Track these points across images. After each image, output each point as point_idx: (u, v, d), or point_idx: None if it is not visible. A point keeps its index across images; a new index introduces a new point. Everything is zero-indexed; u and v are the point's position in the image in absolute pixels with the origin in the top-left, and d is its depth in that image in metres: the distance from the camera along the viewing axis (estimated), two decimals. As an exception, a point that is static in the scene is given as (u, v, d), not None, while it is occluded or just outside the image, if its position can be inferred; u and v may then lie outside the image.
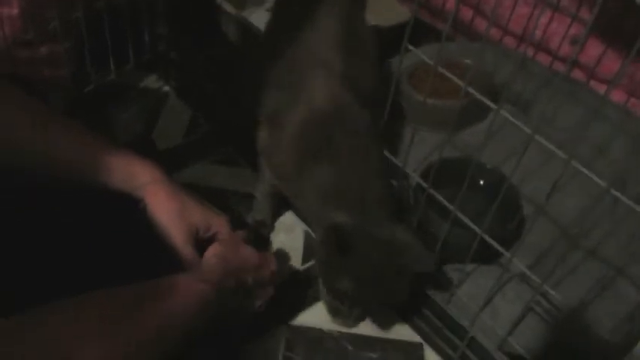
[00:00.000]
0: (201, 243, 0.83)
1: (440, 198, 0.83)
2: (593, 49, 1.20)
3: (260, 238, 1.03)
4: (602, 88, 1.23)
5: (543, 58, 1.30)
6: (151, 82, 1.35)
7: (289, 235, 1.07)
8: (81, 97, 1.21)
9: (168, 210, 0.80)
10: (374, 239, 0.80)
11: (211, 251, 0.79)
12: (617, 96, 1.22)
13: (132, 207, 0.82)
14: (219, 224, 0.84)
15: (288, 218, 1.10)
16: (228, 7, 1.32)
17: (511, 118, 0.67)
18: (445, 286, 0.93)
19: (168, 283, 0.72)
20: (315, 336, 0.94)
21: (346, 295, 0.84)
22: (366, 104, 0.90)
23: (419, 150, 1.08)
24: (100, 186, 0.81)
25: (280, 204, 1.06)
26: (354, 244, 0.78)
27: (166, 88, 1.34)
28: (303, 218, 1.08)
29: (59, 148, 0.78)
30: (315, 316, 0.97)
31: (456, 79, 0.73)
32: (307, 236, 1.07)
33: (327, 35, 0.94)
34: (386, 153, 0.92)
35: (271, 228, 1.07)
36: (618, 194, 0.60)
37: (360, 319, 0.95)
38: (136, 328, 0.66)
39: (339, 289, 0.83)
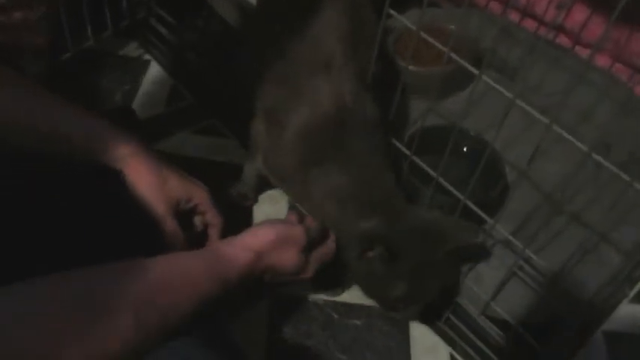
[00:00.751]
0: (183, 214, 0.82)
1: (422, 165, 0.82)
2: (579, 13, 1.19)
3: (241, 209, 1.03)
4: (587, 54, 1.23)
5: (529, 24, 1.29)
6: (131, 50, 1.33)
7: (274, 206, 1.07)
8: (59, 66, 1.18)
9: (148, 183, 0.79)
10: (412, 233, 0.79)
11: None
12: (603, 61, 1.22)
13: (112, 178, 0.81)
14: (199, 196, 0.83)
15: (273, 191, 1.09)
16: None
17: (492, 83, 0.66)
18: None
19: (218, 253, 0.70)
20: (299, 305, 0.95)
21: (402, 299, 0.82)
22: (370, 89, 0.88)
23: (404, 118, 1.08)
24: (79, 158, 0.79)
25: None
26: (399, 246, 0.77)
27: (147, 56, 1.32)
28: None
29: (37, 119, 0.77)
30: (299, 286, 0.97)
31: (438, 45, 0.72)
32: (291, 208, 1.06)
33: (332, 27, 0.90)
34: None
35: (255, 200, 1.07)
36: (600, 158, 0.60)
37: (415, 315, 0.92)
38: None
39: (396, 296, 0.81)
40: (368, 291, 0.85)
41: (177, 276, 0.63)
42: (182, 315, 0.61)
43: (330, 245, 0.83)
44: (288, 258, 0.76)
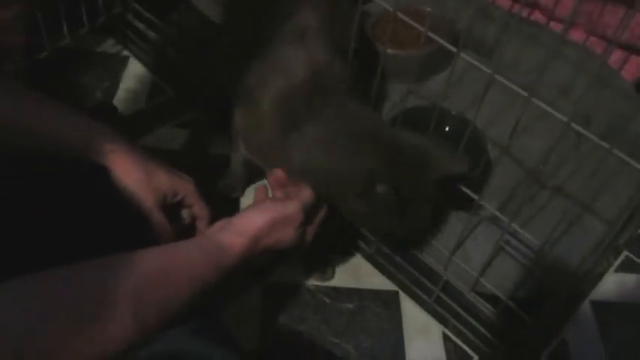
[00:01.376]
0: (170, 208, 0.83)
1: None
2: (552, -11, 1.20)
3: (228, 201, 1.03)
4: (561, 29, 1.24)
5: (504, 2, 1.30)
6: (109, 46, 1.32)
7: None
8: (37, 64, 1.17)
9: (135, 178, 0.79)
10: (408, 163, 0.77)
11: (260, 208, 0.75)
12: (577, 35, 1.23)
13: (98, 174, 0.81)
14: (186, 189, 0.84)
15: (260, 183, 1.09)
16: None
17: (471, 60, 0.67)
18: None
19: (215, 242, 0.70)
20: (291, 291, 0.95)
21: (403, 228, 0.80)
22: (346, 56, 0.88)
23: (386, 101, 1.09)
24: (64, 155, 0.79)
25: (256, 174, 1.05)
26: (399, 178, 0.76)
27: (126, 52, 1.31)
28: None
29: (22, 117, 0.76)
30: (291, 272, 0.97)
31: (416, 25, 0.73)
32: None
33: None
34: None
35: (242, 193, 1.07)
36: (579, 128, 0.61)
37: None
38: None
39: (398, 227, 0.80)
40: (371, 227, 0.86)
41: (173, 268, 0.63)
42: (180, 306, 0.61)
43: (323, 211, 0.81)
44: (284, 237, 0.74)
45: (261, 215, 0.73)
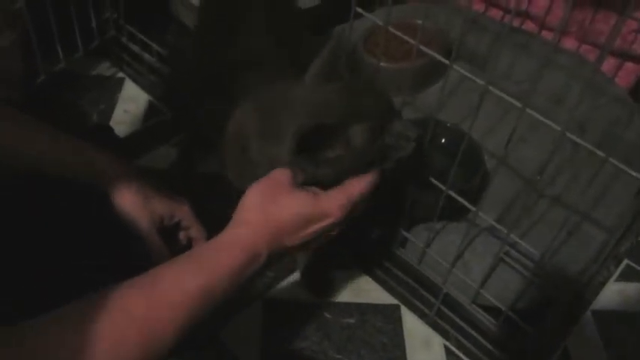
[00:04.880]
0: (167, 230, 0.83)
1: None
2: (543, -1, 1.21)
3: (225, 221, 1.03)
4: (553, 37, 1.25)
5: (494, 13, 1.31)
6: (104, 69, 1.33)
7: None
8: (33, 90, 1.18)
9: (132, 201, 0.79)
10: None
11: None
12: (570, 44, 1.23)
13: (95, 198, 0.81)
14: (182, 211, 0.84)
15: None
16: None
17: (463, 72, 0.67)
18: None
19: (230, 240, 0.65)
20: (292, 307, 0.95)
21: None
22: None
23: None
24: (60, 179, 0.79)
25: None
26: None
27: (121, 74, 1.32)
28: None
29: (21, 143, 0.77)
30: (291, 288, 0.97)
31: (407, 39, 0.73)
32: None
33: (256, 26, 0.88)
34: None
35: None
36: (574, 137, 0.61)
37: None
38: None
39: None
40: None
41: (216, 288, 0.60)
42: (196, 325, 0.59)
43: (364, 178, 0.68)
44: (287, 201, 0.66)
45: (248, 195, 0.67)
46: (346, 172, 0.67)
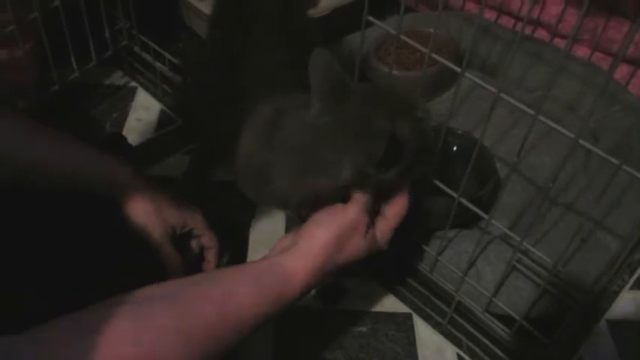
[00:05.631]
0: (179, 239, 0.83)
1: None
2: (554, 6, 1.21)
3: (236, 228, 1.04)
4: (564, 45, 1.24)
5: (506, 21, 1.31)
6: (117, 78, 1.34)
7: (270, 219, 1.07)
8: (47, 99, 1.19)
9: (144, 211, 0.80)
10: None
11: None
12: (582, 52, 1.23)
13: (108, 207, 0.81)
14: (194, 220, 0.85)
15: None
16: (188, -3, 1.31)
17: (475, 79, 0.67)
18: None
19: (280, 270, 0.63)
20: (304, 316, 0.95)
21: None
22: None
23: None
24: (73, 188, 0.80)
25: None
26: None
27: (133, 83, 1.33)
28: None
29: (33, 153, 0.78)
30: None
31: (419, 47, 0.73)
32: (288, 220, 1.07)
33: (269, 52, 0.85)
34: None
35: (252, 215, 1.07)
36: (587, 144, 0.61)
37: None
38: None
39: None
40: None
41: (233, 316, 0.58)
42: (235, 346, 0.58)
43: (400, 200, 0.70)
44: (355, 250, 0.67)
45: (323, 231, 0.65)
46: (406, 171, 0.67)
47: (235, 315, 0.58)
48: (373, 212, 0.70)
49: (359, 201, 0.67)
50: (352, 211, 0.66)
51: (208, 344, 0.55)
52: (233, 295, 0.59)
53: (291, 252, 0.64)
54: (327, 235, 0.65)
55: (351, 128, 0.64)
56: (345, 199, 0.68)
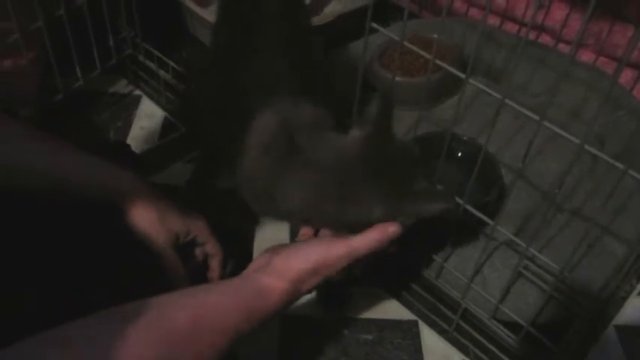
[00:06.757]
0: (182, 246, 0.83)
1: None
2: (558, 11, 1.21)
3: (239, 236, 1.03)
4: (569, 50, 1.24)
5: (510, 27, 1.31)
6: (121, 86, 1.34)
7: (274, 226, 1.07)
8: (51, 107, 1.19)
9: (148, 219, 0.79)
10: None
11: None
12: (586, 56, 1.23)
13: (111, 215, 0.81)
14: (197, 228, 0.84)
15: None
16: (191, 5, 1.31)
17: (479, 85, 0.67)
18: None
19: (255, 286, 0.66)
20: (309, 323, 0.94)
21: None
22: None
23: (397, 129, 1.08)
24: (78, 196, 0.80)
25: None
26: None
27: (138, 91, 1.33)
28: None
29: (35, 161, 0.78)
30: (307, 304, 0.97)
31: (423, 53, 0.73)
32: (293, 230, 1.06)
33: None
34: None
35: (256, 223, 1.07)
36: (593, 149, 0.61)
37: None
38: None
39: None
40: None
41: (205, 319, 0.59)
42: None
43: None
44: (330, 273, 0.68)
45: (304, 259, 0.67)
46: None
47: (209, 323, 0.59)
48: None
49: (349, 245, 0.67)
50: (336, 249, 0.68)
51: (180, 350, 0.56)
52: (208, 304, 0.61)
53: (267, 270, 0.67)
54: (306, 264, 0.67)
55: (398, 178, 0.67)
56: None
